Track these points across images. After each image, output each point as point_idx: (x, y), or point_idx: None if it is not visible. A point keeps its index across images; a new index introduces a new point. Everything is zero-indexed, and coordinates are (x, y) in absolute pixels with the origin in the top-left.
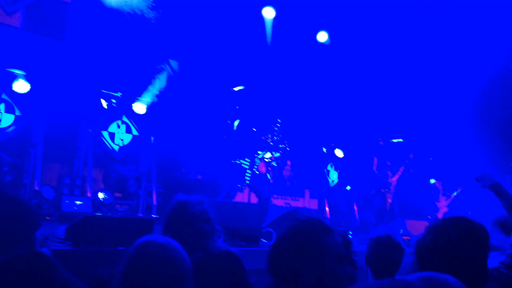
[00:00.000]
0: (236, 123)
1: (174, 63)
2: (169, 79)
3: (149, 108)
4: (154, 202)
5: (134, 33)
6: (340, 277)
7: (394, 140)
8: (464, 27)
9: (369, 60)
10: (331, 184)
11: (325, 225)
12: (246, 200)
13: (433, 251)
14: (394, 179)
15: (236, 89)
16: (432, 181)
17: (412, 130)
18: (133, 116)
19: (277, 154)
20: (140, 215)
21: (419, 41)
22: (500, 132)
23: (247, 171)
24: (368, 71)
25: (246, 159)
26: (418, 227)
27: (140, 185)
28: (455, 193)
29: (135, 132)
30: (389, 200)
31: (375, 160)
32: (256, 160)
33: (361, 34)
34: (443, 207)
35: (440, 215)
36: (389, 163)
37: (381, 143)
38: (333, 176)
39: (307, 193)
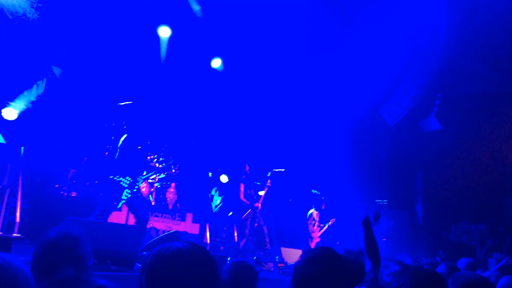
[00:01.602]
0: (121, 139)
1: (56, 70)
2: (49, 86)
3: (21, 114)
4: (17, 219)
5: (13, 32)
6: None
7: (276, 170)
8: (340, 73)
9: (257, 91)
10: (214, 209)
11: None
12: (123, 221)
13: (306, 278)
14: (259, 203)
15: (122, 104)
16: (310, 211)
17: (294, 162)
18: (1, 122)
19: (162, 176)
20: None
21: (299, 81)
22: (368, 170)
23: (126, 190)
24: (256, 102)
25: (127, 177)
26: (292, 255)
27: (2, 199)
28: (327, 225)
29: (1, 140)
30: (255, 224)
31: (242, 188)
32: (139, 179)
33: (251, 66)
34: (316, 237)
35: (312, 245)
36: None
37: (248, 170)
38: (217, 201)
39: (189, 217)
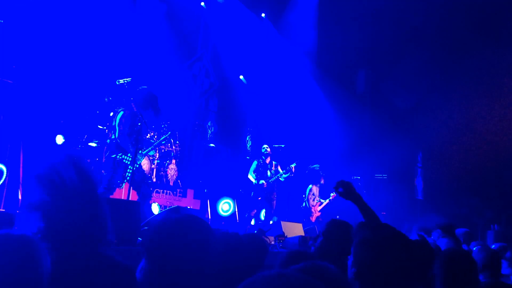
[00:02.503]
0: (118, 117)
1: None
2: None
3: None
4: (19, 196)
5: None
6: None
7: (276, 146)
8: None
9: (255, 63)
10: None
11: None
12: (125, 197)
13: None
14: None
15: (121, 81)
16: (310, 186)
17: (294, 137)
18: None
19: (163, 144)
20: (1, 210)
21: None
22: (368, 145)
23: (129, 167)
24: (255, 75)
25: (128, 154)
26: (292, 228)
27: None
28: (327, 200)
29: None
30: (259, 198)
31: (256, 165)
32: (139, 156)
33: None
34: (316, 211)
35: (313, 219)
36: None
37: (269, 150)
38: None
39: (190, 193)
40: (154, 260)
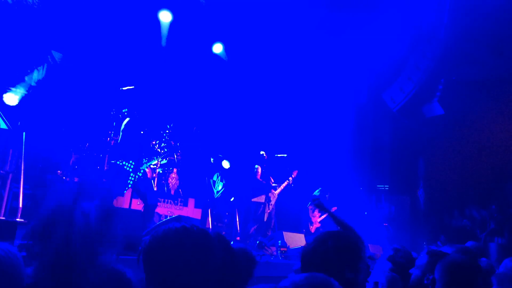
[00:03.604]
0: (124, 123)
1: (57, 55)
2: (50, 72)
3: (23, 100)
4: (20, 204)
5: (13, 17)
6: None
7: (278, 155)
8: (343, 58)
9: (259, 79)
10: (216, 195)
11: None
12: (127, 206)
13: (313, 257)
14: (276, 192)
15: (124, 88)
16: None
17: (296, 147)
18: (3, 107)
19: (164, 161)
20: (2, 218)
21: (303, 68)
22: (370, 155)
23: (131, 174)
24: (258, 87)
25: (130, 161)
26: (294, 239)
27: (4, 185)
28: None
29: (3, 126)
30: (268, 211)
31: (259, 169)
32: (144, 164)
33: (253, 51)
34: (316, 222)
35: (313, 230)
36: (272, 180)
37: (265, 156)
38: (218, 187)
39: (191, 202)
40: (151, 270)
